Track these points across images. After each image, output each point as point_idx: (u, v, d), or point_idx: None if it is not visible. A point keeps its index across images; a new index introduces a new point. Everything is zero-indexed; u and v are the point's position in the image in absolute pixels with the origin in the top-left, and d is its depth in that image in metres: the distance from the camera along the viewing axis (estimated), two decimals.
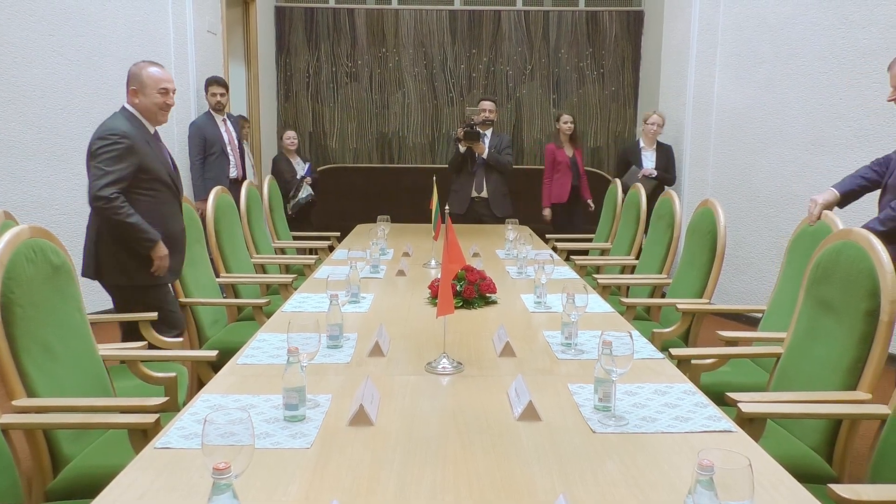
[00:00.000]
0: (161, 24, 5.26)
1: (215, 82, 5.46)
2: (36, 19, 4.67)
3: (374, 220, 4.35)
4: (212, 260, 3.60)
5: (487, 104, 5.38)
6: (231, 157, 5.48)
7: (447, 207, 2.47)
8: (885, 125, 4.42)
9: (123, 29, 5.07)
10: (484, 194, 5.31)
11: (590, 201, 5.99)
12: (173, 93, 2.99)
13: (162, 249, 2.89)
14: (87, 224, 2.95)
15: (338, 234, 5.37)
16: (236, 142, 5.57)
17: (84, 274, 2.89)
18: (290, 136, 6.30)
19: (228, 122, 5.53)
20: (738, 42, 5.42)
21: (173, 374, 2.37)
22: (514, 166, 5.77)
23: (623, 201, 4.80)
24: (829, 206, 2.85)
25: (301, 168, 6.29)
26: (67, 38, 4.80)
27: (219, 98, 5.39)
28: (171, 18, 5.28)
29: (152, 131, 2.98)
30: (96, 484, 1.33)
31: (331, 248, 4.93)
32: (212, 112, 5.42)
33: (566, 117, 5.87)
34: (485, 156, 5.20)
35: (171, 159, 3.12)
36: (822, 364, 2.06)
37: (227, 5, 6.18)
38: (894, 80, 2.95)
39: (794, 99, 5.00)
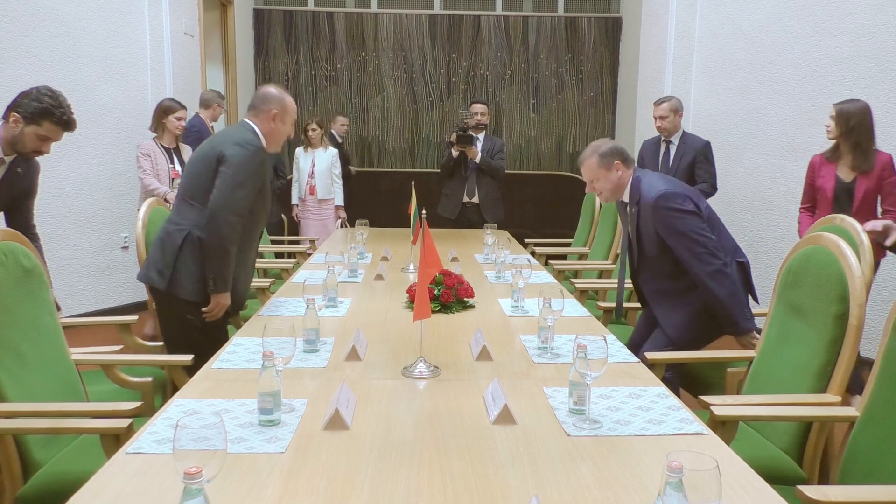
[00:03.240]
0: (137, 26, 5.21)
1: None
2: (9, 20, 4.60)
3: (352, 224, 4.34)
4: None
5: (479, 107, 5.37)
6: None
7: (434, 211, 2.47)
8: None
9: (99, 31, 5.02)
10: (475, 199, 5.31)
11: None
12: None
13: (226, 298, 2.63)
14: (166, 228, 2.66)
15: (317, 237, 5.35)
16: None
17: (146, 280, 2.66)
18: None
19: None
20: (713, 49, 5.50)
21: (149, 379, 2.34)
22: None
23: (601, 206, 4.83)
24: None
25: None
26: (41, 40, 4.74)
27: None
28: (147, 21, 5.24)
29: None
30: (67, 490, 1.31)
31: (309, 253, 4.91)
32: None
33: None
34: (477, 160, 5.20)
35: None
36: (793, 367, 2.10)
37: (204, 8, 6.14)
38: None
39: (769, 105, 5.07)
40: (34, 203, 3.11)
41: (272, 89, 2.74)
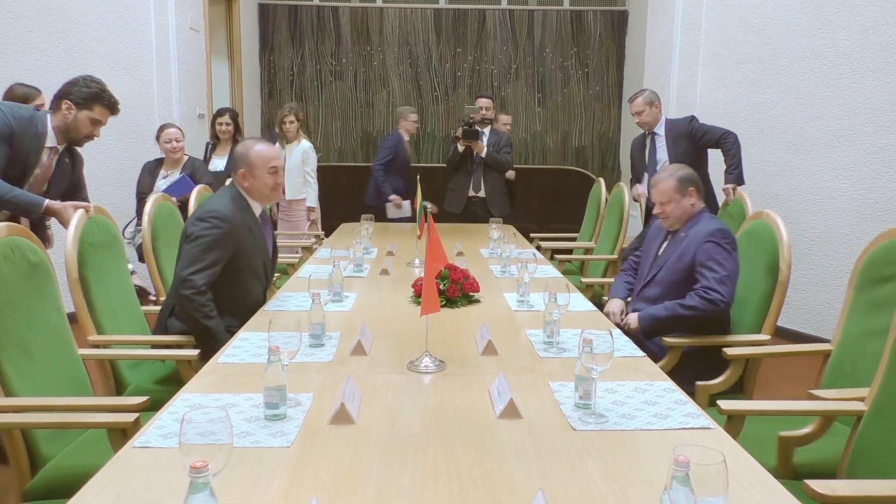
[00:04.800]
0: (142, 21, 5.22)
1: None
2: (14, 15, 4.62)
3: (358, 220, 4.34)
4: None
5: (485, 101, 5.35)
6: None
7: (440, 206, 2.47)
8: (864, 125, 4.48)
9: (104, 26, 5.02)
10: (482, 194, 5.30)
11: None
12: (282, 169, 2.81)
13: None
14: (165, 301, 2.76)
15: (322, 233, 5.35)
16: None
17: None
18: (171, 136, 4.50)
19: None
20: (720, 42, 5.46)
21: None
22: None
23: (606, 201, 4.82)
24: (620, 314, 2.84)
25: (164, 184, 4.47)
26: (47, 35, 4.75)
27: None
28: (152, 15, 5.24)
29: (258, 212, 2.78)
30: (75, 484, 1.32)
31: (315, 247, 4.91)
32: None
33: None
34: (483, 154, 5.19)
35: (274, 243, 2.97)
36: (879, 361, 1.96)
37: (209, 2, 6.14)
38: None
39: (775, 99, 5.05)
40: (86, 196, 3.22)
41: (238, 147, 2.78)
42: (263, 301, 2.82)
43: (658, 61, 6.19)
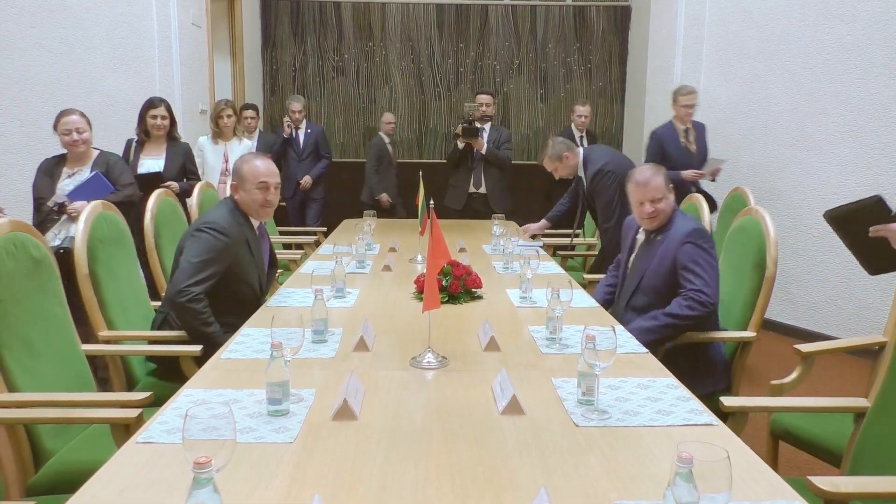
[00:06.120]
0: (145, 16, 5.21)
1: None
2: (17, 10, 4.62)
3: (360, 216, 4.34)
4: None
5: (484, 98, 5.34)
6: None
7: (440, 203, 2.47)
8: (868, 121, 4.46)
9: (107, 22, 5.02)
10: (482, 190, 5.30)
11: None
12: (276, 187, 2.72)
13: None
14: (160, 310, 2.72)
15: (324, 229, 5.35)
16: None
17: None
18: (71, 126, 3.63)
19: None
20: (724, 37, 5.45)
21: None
22: None
23: None
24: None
25: (70, 185, 3.62)
26: (50, 31, 4.75)
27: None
28: (154, 11, 5.23)
29: (256, 225, 2.76)
30: (78, 479, 1.32)
31: (317, 244, 4.91)
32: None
33: None
34: (483, 151, 5.18)
35: (272, 254, 2.96)
36: None
37: None
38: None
39: (779, 94, 5.03)
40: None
41: (237, 160, 2.78)
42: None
43: (661, 57, 6.17)
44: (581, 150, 4.20)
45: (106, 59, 5.02)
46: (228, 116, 4.93)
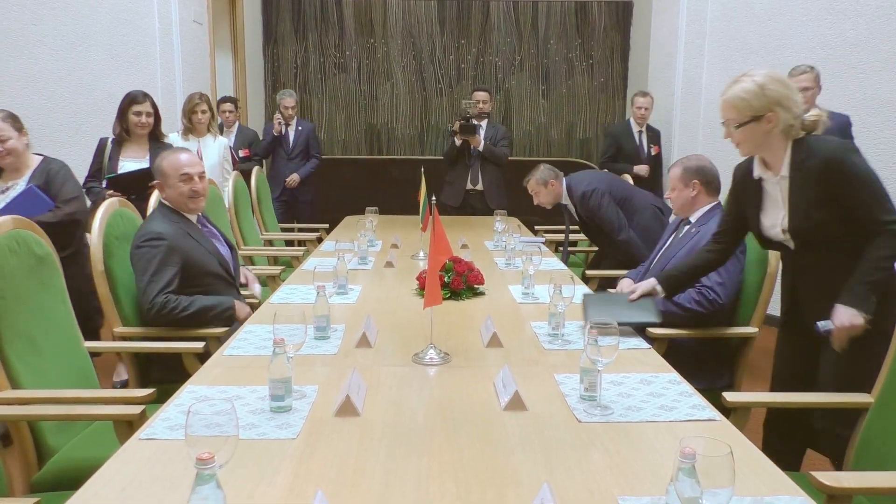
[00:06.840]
0: (146, 14, 5.20)
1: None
2: (18, 8, 4.62)
3: (362, 212, 4.34)
4: None
5: (481, 95, 5.33)
6: None
7: (437, 199, 2.47)
8: (871, 116, 4.45)
9: (107, 19, 5.01)
10: (479, 187, 5.29)
11: None
12: (200, 177, 2.63)
13: (243, 310, 2.61)
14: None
15: (326, 225, 5.35)
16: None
17: None
18: None
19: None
20: (726, 32, 5.43)
21: None
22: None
23: None
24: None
25: (3, 199, 3.03)
26: (51, 28, 4.75)
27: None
28: (155, 8, 5.22)
29: (195, 219, 2.70)
30: (81, 475, 1.33)
31: (319, 240, 4.91)
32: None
33: None
34: (481, 148, 5.18)
35: (227, 242, 2.87)
36: None
37: None
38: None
39: None
40: None
41: (157, 159, 2.71)
42: (237, 297, 2.74)
43: (663, 52, 6.15)
44: (565, 179, 4.17)
45: (107, 56, 5.01)
46: (203, 112, 4.52)
